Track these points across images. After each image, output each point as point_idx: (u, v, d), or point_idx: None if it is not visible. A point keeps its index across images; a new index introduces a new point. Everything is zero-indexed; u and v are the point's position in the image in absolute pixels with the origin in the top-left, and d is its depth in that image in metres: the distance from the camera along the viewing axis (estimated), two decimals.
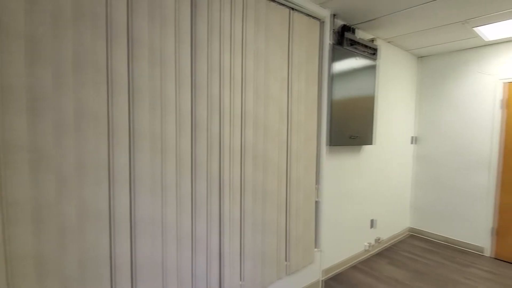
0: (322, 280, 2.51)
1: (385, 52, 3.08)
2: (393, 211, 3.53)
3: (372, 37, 2.85)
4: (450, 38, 2.94)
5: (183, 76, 1.51)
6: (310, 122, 2.28)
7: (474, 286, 2.55)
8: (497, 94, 3.06)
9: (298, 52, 2.13)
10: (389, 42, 3.08)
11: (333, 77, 2.38)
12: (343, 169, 2.73)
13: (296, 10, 2.09)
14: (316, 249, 2.45)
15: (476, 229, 3.27)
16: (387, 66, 3.15)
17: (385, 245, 3.42)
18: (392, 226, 3.55)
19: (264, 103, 1.92)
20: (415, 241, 3.59)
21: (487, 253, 3.18)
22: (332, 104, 2.40)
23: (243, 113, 1.79)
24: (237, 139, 1.77)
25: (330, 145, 2.43)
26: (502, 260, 3.08)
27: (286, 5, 2.02)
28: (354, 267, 2.87)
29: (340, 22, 2.51)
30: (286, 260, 2.17)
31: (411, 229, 3.86)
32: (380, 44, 2.98)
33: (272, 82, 1.97)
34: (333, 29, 2.41)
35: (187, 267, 1.59)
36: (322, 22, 2.31)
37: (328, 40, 2.33)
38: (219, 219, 1.72)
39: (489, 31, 2.70)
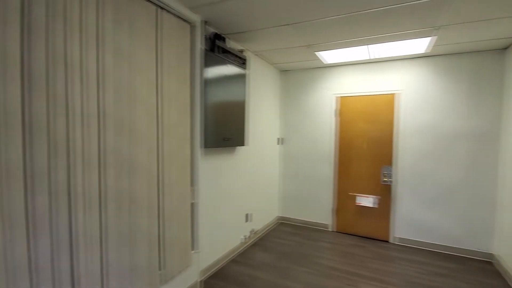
0: (200, 281, 2.54)
1: (253, 63, 3.46)
2: (265, 203, 4.00)
3: (242, 48, 3.14)
4: (301, 58, 3.61)
5: (8, 64, 1.19)
6: (183, 124, 2.28)
7: (322, 257, 3.22)
8: (333, 105, 4.00)
9: (168, 54, 2.08)
10: (256, 55, 3.48)
11: (206, 82, 2.46)
12: (219, 170, 2.87)
13: (164, 9, 2.04)
14: (193, 251, 2.46)
15: (323, 210, 4.14)
16: (256, 76, 3.55)
17: (259, 235, 3.82)
18: (265, 217, 4.02)
19: (128, 104, 1.78)
20: (283, 227, 4.19)
21: (331, 228, 4.09)
22: (205, 108, 2.48)
23: (100, 114, 1.59)
24: (93, 143, 1.55)
25: (205, 147, 2.50)
26: (340, 232, 4.03)
27: (152, 2, 1.94)
28: (232, 261, 3.06)
29: (212, 30, 2.63)
30: (160, 269, 2.07)
31: (280, 218, 4.48)
32: (249, 55, 3.32)
33: (138, 82, 1.84)
34: (205, 35, 2.50)
35: None
36: (193, 27, 2.36)
37: (199, 45, 2.40)
38: (69, 238, 1.45)
39: (326, 56, 3.49)
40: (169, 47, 2.09)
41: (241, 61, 2.99)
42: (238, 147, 3.20)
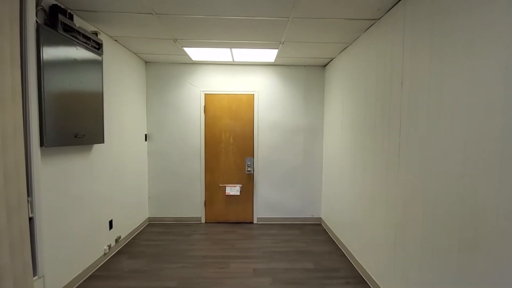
0: None
1: (111, 49, 3.05)
2: (132, 206, 3.65)
3: (96, 30, 2.70)
4: (169, 52, 3.51)
5: None
6: (12, 118, 1.74)
7: (195, 249, 3.31)
8: (201, 101, 4.13)
9: None
10: (115, 40, 3.09)
11: (45, 64, 1.97)
12: (71, 172, 2.38)
13: None
14: (36, 277, 1.95)
15: (195, 204, 4.24)
16: (115, 64, 3.14)
17: (126, 241, 3.47)
18: (132, 221, 3.67)
19: None
20: (153, 228, 3.98)
21: (203, 220, 4.25)
22: (45, 97, 1.98)
23: None
24: None
25: (46, 146, 2.01)
26: (212, 222, 4.26)
27: None
28: (92, 277, 2.63)
29: (51, 1, 2.12)
30: None
31: (150, 218, 4.22)
32: (105, 39, 2.89)
33: None
34: (41, 6, 1.99)
35: None
36: None
37: (33, 17, 1.89)
38: None
39: (193, 53, 3.54)
40: None
41: (95, 45, 2.57)
42: (96, 145, 2.76)
